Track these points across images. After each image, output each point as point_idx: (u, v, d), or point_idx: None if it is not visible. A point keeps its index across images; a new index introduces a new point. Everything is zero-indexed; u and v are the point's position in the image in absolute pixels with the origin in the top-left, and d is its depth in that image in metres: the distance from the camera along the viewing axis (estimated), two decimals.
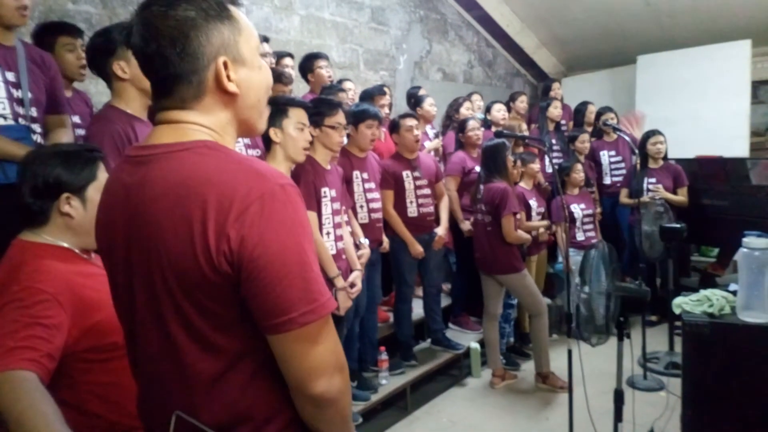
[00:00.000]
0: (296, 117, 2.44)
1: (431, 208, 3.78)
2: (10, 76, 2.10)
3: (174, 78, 0.94)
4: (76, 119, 2.61)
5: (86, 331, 1.37)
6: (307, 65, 4.00)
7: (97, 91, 3.31)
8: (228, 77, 0.95)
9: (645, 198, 4.42)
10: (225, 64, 0.95)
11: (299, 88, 4.23)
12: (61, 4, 3.48)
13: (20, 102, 2.11)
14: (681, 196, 4.53)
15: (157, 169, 0.93)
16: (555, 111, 5.24)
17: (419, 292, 4.08)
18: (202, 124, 0.97)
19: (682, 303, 2.42)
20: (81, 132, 2.59)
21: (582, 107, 5.50)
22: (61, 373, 1.31)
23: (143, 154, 0.97)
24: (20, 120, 2.11)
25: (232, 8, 0.97)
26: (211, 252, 0.87)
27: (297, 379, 0.91)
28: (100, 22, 3.59)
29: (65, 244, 1.48)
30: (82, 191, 1.48)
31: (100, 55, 2.03)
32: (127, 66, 1.99)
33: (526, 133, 4.66)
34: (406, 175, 3.65)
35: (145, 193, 0.93)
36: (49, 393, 1.19)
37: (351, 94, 3.97)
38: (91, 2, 3.62)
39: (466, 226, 4.14)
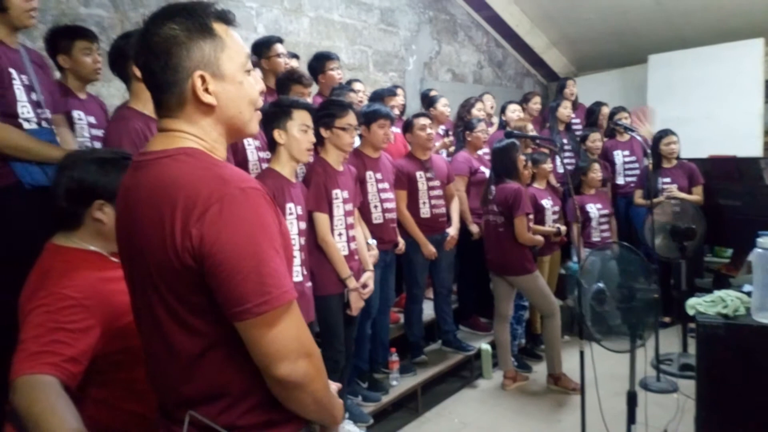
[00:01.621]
0: (300, 119, 2.45)
1: (443, 209, 3.78)
2: (25, 79, 2.12)
3: (159, 88, 1.06)
4: (92, 120, 2.65)
5: (115, 333, 1.39)
6: (318, 66, 3.96)
7: (108, 93, 3.35)
8: (206, 90, 1.05)
9: (660, 198, 4.38)
10: (202, 78, 1.04)
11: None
12: (73, 7, 3.51)
13: (38, 104, 2.14)
14: (696, 195, 4.49)
15: (146, 174, 1.05)
16: (565, 111, 5.21)
17: (429, 293, 4.07)
18: (188, 132, 1.07)
19: (695, 304, 2.39)
20: (96, 132, 2.63)
21: (595, 107, 5.47)
22: (93, 372, 1.34)
23: (140, 159, 1.09)
24: (43, 123, 2.13)
25: (218, 28, 1.06)
26: (177, 248, 0.97)
27: (261, 362, 1.01)
28: (111, 25, 3.62)
29: (95, 249, 1.50)
30: (115, 198, 1.49)
31: (122, 57, 2.07)
32: None
33: (534, 134, 4.64)
34: (420, 175, 3.65)
35: (137, 195, 1.05)
36: (69, 396, 1.22)
37: (361, 95, 3.97)
38: (103, 6, 3.65)
39: (475, 228, 4.13)
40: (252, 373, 1.03)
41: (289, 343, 1.00)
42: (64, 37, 2.60)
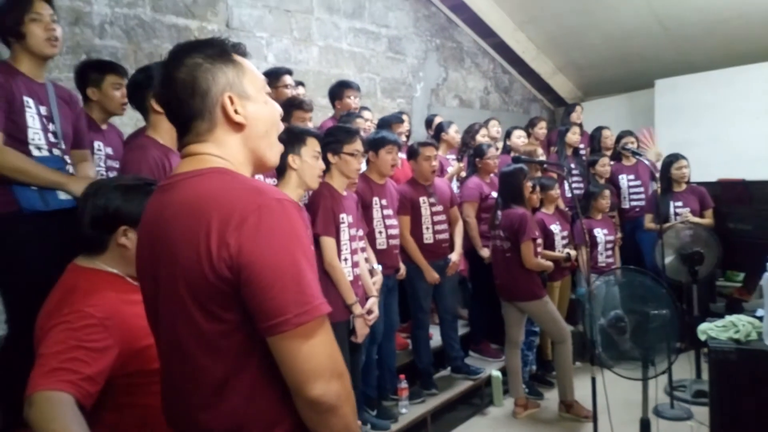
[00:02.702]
0: (312, 146, 2.50)
1: (446, 235, 3.78)
2: (44, 110, 2.19)
3: (189, 116, 1.08)
4: (109, 151, 2.71)
5: (132, 357, 1.40)
6: (337, 92, 4.07)
7: (121, 122, 3.41)
8: (235, 110, 1.08)
9: (675, 222, 4.37)
10: (231, 99, 1.08)
11: (317, 115, 4.30)
12: (88, 38, 3.60)
13: (54, 134, 2.19)
14: (707, 219, 4.49)
15: (175, 193, 1.06)
16: (573, 137, 5.23)
17: (437, 319, 4.05)
18: (216, 154, 1.09)
19: (707, 329, 2.37)
20: (112, 163, 2.69)
21: (596, 133, 5.50)
22: (107, 395, 1.35)
23: (168, 182, 1.10)
24: (54, 151, 2.18)
25: (236, 56, 1.12)
26: (213, 259, 0.96)
27: (295, 381, 0.97)
28: (125, 56, 3.71)
29: (117, 272, 1.53)
30: (138, 224, 1.53)
31: (140, 89, 2.12)
32: None
33: (543, 158, 4.66)
34: (423, 201, 3.66)
35: (166, 213, 1.06)
36: (83, 415, 1.22)
37: (368, 124, 4.02)
38: (117, 37, 3.74)
39: (485, 252, 4.12)
40: (280, 402, 1.01)
41: (325, 360, 0.98)
42: (96, 71, 2.68)
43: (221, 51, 1.10)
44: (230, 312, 0.99)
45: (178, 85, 1.06)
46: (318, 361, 0.97)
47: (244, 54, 1.15)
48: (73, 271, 1.52)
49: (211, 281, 0.97)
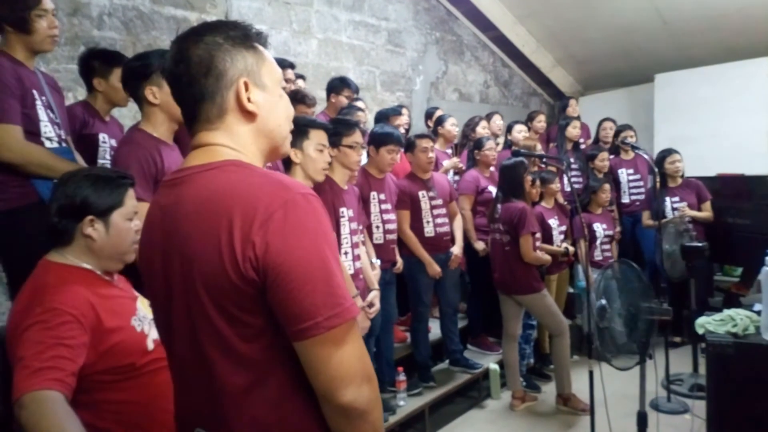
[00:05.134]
0: (316, 138, 2.47)
1: (447, 228, 3.78)
2: (44, 100, 2.18)
3: (199, 96, 1.01)
4: (113, 143, 2.68)
5: (104, 353, 1.40)
6: (335, 87, 4.03)
7: (120, 114, 3.40)
8: (248, 98, 1.02)
9: (672, 217, 4.37)
10: (246, 85, 1.01)
11: (316, 109, 4.29)
12: (86, 30, 3.58)
13: (58, 124, 2.19)
14: (706, 212, 4.49)
15: (189, 188, 0.99)
16: (574, 131, 5.23)
17: (437, 312, 4.05)
18: (228, 145, 1.02)
19: (705, 323, 2.38)
20: None
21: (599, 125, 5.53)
22: (78, 392, 1.33)
23: (177, 176, 1.03)
24: (62, 142, 2.19)
25: (257, 44, 1.05)
26: (237, 259, 0.90)
27: (325, 387, 0.91)
28: (124, 47, 3.69)
29: (87, 266, 1.51)
30: (106, 215, 1.52)
31: (135, 78, 2.09)
32: (158, 91, 2.05)
33: (541, 152, 4.66)
34: (422, 194, 3.66)
35: (179, 210, 0.99)
36: (73, 412, 1.21)
37: (360, 114, 3.99)
38: (116, 29, 3.72)
39: (480, 245, 4.12)
40: (307, 411, 0.96)
41: (356, 364, 0.92)
42: (104, 62, 2.65)
43: (244, 35, 1.03)
44: (253, 315, 0.92)
45: (193, 62, 0.99)
46: (349, 366, 0.92)
47: (265, 44, 1.08)
48: (43, 267, 1.49)
49: (234, 283, 0.90)
